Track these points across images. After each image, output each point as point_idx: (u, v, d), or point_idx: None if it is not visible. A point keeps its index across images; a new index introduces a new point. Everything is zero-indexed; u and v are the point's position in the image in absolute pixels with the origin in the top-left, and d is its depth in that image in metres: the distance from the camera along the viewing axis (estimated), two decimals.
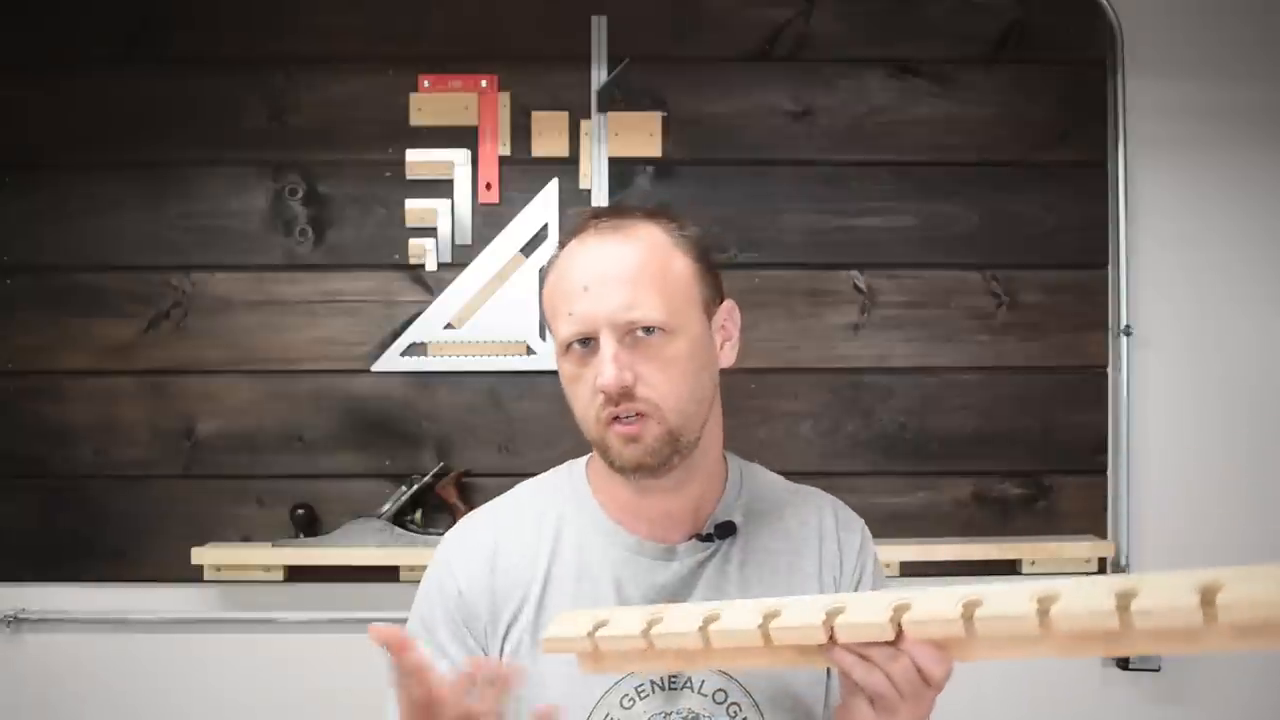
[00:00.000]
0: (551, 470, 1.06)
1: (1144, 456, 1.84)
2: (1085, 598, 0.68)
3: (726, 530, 0.98)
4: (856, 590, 1.02)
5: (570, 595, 0.96)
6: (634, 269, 0.91)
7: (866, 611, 0.76)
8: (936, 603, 0.74)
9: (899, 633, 0.75)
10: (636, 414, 0.90)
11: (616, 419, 0.90)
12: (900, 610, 0.75)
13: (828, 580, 1.01)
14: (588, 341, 0.90)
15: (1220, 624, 0.63)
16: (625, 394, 0.89)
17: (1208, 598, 0.63)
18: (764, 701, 0.95)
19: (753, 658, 0.81)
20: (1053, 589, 0.70)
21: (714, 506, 1.00)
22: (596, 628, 0.83)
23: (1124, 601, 0.66)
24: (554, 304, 0.93)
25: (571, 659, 0.89)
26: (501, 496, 1.05)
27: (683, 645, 0.80)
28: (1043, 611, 0.69)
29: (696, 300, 0.95)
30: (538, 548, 0.98)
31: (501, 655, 0.96)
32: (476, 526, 1.02)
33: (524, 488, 1.05)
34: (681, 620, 0.81)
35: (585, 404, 0.92)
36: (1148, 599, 0.65)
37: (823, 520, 1.04)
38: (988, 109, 1.85)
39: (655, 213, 0.97)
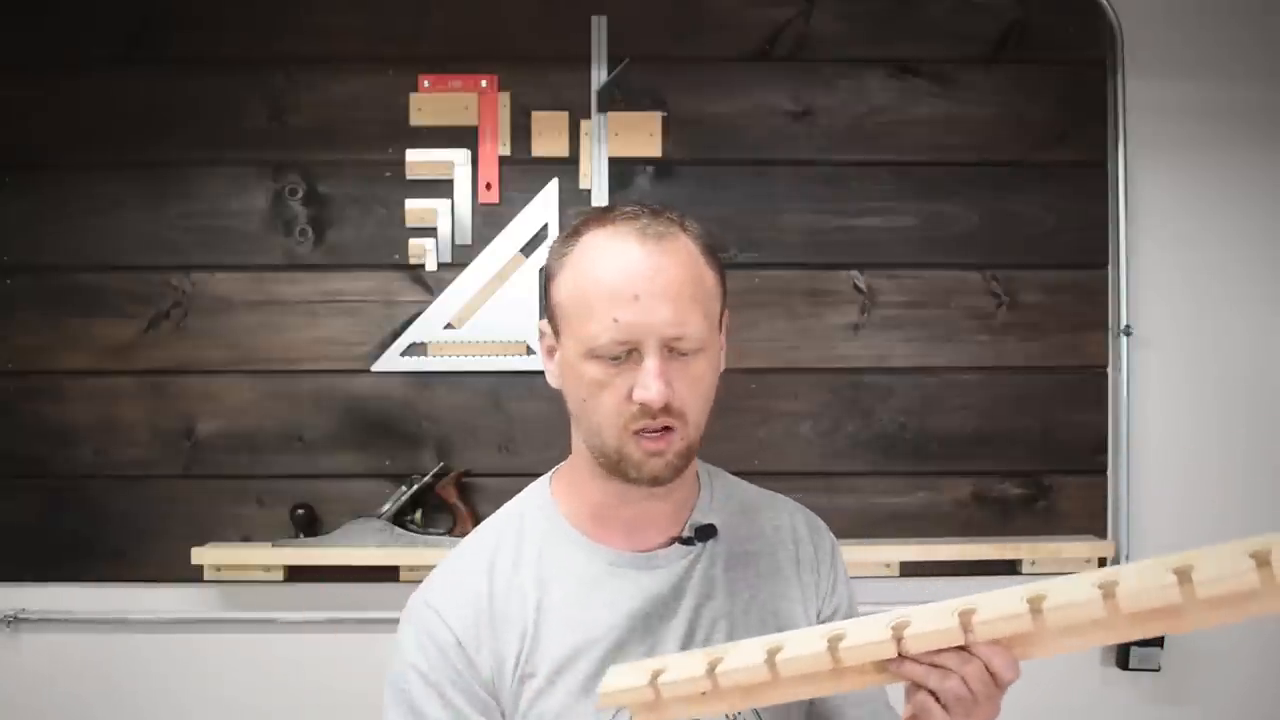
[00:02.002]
0: (513, 501, 1.04)
1: (1144, 456, 1.84)
2: (1146, 576, 0.72)
3: (707, 533, 0.98)
4: (833, 593, 1.04)
5: (565, 621, 0.94)
6: (679, 284, 0.89)
7: (933, 619, 0.77)
8: (1000, 601, 0.76)
9: (968, 637, 0.76)
10: (664, 428, 0.89)
11: (642, 430, 0.89)
12: (967, 614, 0.76)
13: (807, 581, 1.02)
14: (617, 351, 0.89)
15: (1277, 583, 0.68)
16: (664, 408, 0.88)
17: (1261, 560, 0.68)
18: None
19: (818, 684, 0.80)
20: (1111, 574, 0.73)
21: (690, 510, 1.00)
22: (655, 675, 0.82)
23: (1184, 575, 0.70)
24: (587, 302, 0.89)
25: (571, 689, 0.90)
26: (465, 541, 1.01)
27: (751, 680, 0.80)
28: (1108, 595, 0.72)
29: (716, 315, 0.94)
30: (525, 583, 0.95)
31: (517, 698, 0.93)
32: (457, 575, 0.98)
33: (490, 526, 1.01)
34: (745, 655, 0.81)
35: (611, 411, 0.90)
36: (1206, 570, 0.70)
37: (795, 523, 1.05)
38: (988, 109, 1.85)
39: (684, 219, 0.94)
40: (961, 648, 0.77)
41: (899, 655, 0.78)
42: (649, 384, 0.87)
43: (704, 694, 0.81)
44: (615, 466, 0.92)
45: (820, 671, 0.79)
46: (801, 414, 1.83)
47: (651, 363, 0.88)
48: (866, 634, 0.78)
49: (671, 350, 0.89)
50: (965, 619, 0.76)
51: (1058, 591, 0.74)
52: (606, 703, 0.84)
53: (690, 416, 0.91)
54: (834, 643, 0.78)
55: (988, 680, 0.77)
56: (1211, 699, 1.84)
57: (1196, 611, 0.71)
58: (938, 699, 0.79)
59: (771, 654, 0.79)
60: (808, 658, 0.79)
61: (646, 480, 0.91)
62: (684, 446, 0.91)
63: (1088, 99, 1.85)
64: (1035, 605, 0.74)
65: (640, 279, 0.88)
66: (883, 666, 0.79)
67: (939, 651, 0.77)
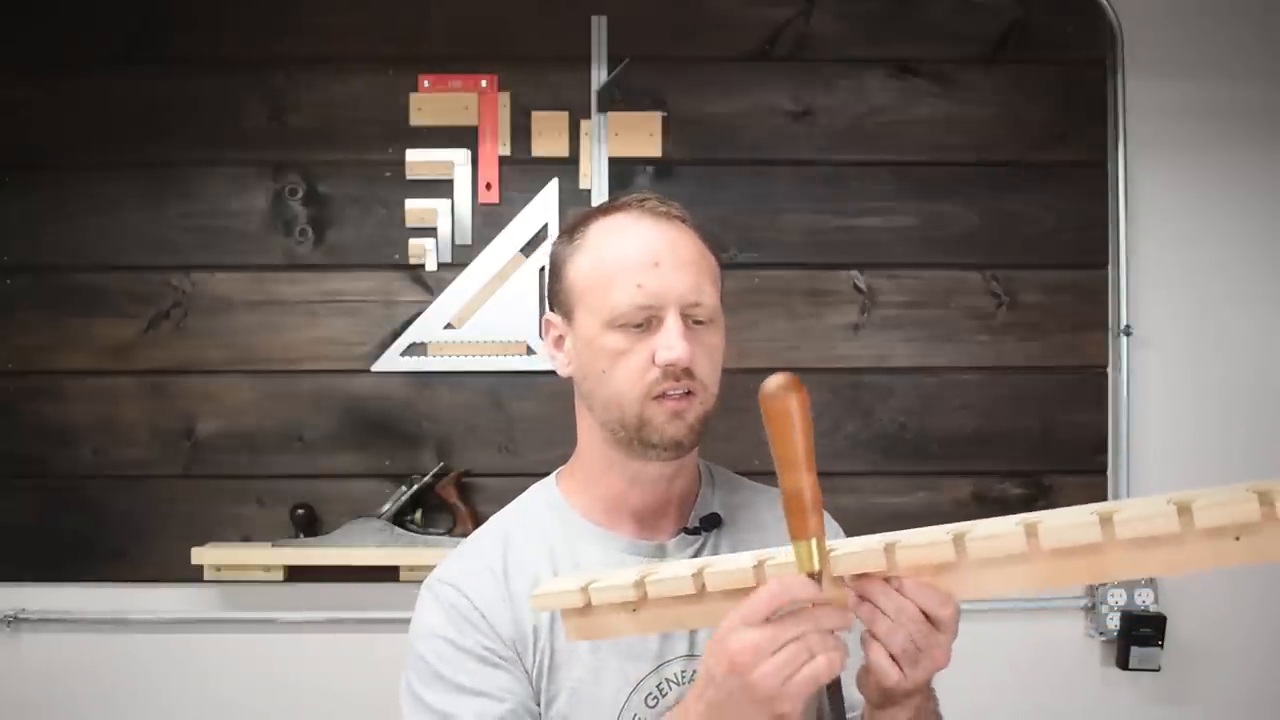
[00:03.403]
0: (517, 500, 1.05)
1: (1144, 456, 1.84)
2: (1069, 516, 0.73)
3: (712, 522, 1.00)
4: None
5: None
6: (696, 256, 0.95)
7: (858, 544, 0.78)
8: (924, 532, 0.77)
9: (894, 571, 0.76)
10: (687, 391, 0.92)
11: (663, 394, 0.91)
12: (891, 543, 0.77)
13: None
14: (640, 317, 0.91)
15: (1197, 528, 0.68)
16: (685, 371, 0.91)
17: (1183, 507, 0.69)
18: None
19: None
20: (1037, 515, 0.74)
21: (693, 501, 1.02)
22: (588, 583, 0.84)
23: (1106, 515, 0.71)
24: (608, 273, 0.93)
25: (597, 671, 0.91)
26: (480, 530, 1.04)
27: (676, 592, 0.81)
28: (1030, 532, 0.73)
29: (720, 296, 0.98)
30: (540, 564, 0.97)
31: (541, 672, 0.95)
32: (471, 553, 1.00)
33: (501, 517, 1.04)
34: (674, 569, 0.83)
35: (633, 377, 0.92)
36: (1127, 512, 0.71)
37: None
38: (987, 109, 1.85)
39: (683, 212, 0.98)
40: (888, 582, 0.77)
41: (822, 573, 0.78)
42: (673, 343, 0.90)
43: (634, 610, 0.83)
44: (636, 435, 0.93)
45: (745, 589, 0.79)
46: None
47: (674, 323, 0.91)
48: (790, 558, 0.79)
49: (688, 319, 0.92)
50: (889, 545, 0.76)
51: (982, 526, 0.76)
52: (538, 605, 0.87)
53: (709, 385, 0.94)
54: (761, 561, 0.79)
55: (919, 619, 0.76)
56: (1211, 699, 1.84)
57: (1117, 553, 0.71)
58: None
59: (700, 570, 0.81)
60: (732, 573, 0.80)
61: (668, 444, 0.92)
62: (702, 413, 0.94)
63: (1088, 99, 1.85)
64: (958, 537, 0.75)
65: (660, 249, 0.93)
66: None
67: (865, 579, 0.77)
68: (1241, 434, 1.85)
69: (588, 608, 0.84)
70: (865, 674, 0.83)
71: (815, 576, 0.76)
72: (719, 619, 0.80)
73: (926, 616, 0.76)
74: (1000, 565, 0.74)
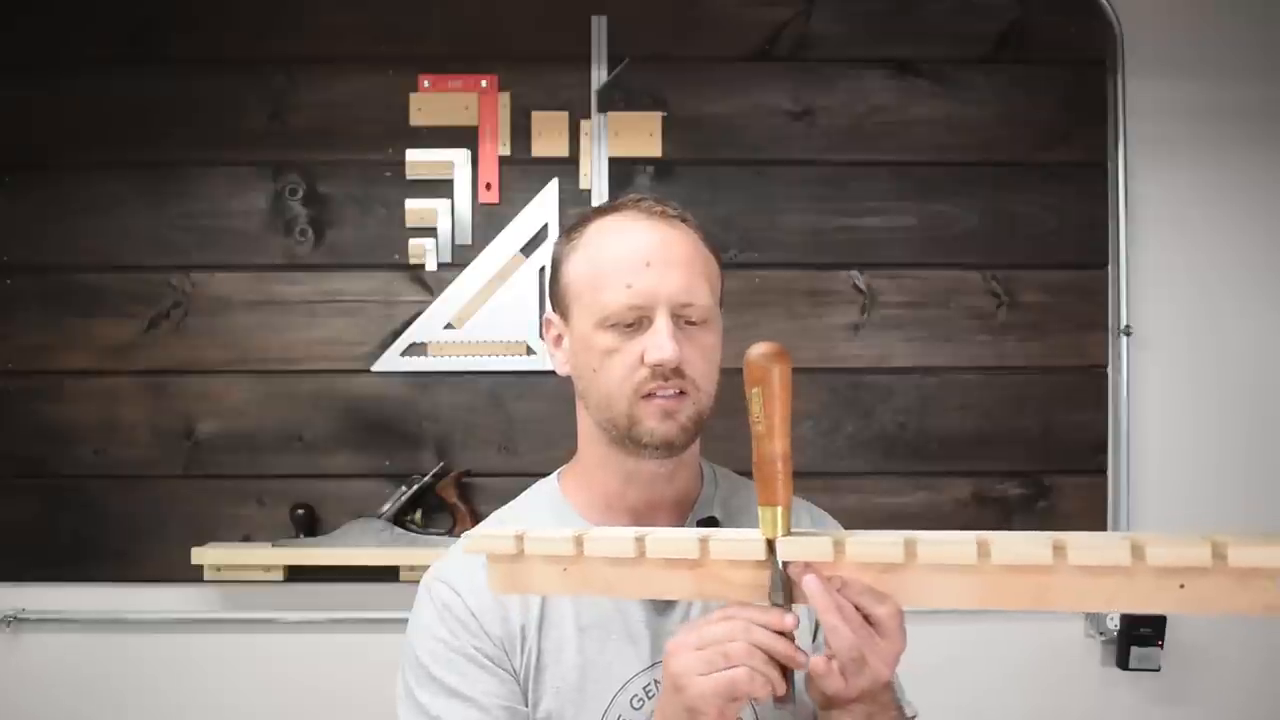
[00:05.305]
0: (519, 498, 1.06)
1: (1144, 456, 1.84)
2: (1025, 537, 0.75)
3: (710, 524, 1.00)
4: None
5: (570, 605, 0.96)
6: (689, 256, 0.95)
7: (810, 537, 0.79)
8: (877, 533, 0.78)
9: (842, 567, 0.77)
10: (679, 391, 0.92)
11: (653, 394, 0.91)
12: (841, 539, 0.77)
13: None
14: (631, 317, 0.92)
15: (1148, 565, 0.70)
16: (675, 371, 0.91)
17: (1136, 548, 0.70)
18: None
19: (679, 577, 0.81)
20: (990, 534, 0.75)
21: (693, 503, 1.02)
22: (525, 532, 0.83)
23: (1059, 544, 0.72)
24: (600, 273, 0.93)
25: (584, 671, 0.92)
26: (479, 526, 1.03)
27: (614, 553, 0.80)
28: (982, 551, 0.74)
29: (718, 296, 0.99)
30: None
31: (529, 671, 0.95)
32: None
33: (501, 514, 1.05)
34: (614, 532, 0.83)
35: (622, 376, 0.92)
36: (1082, 540, 0.73)
37: (798, 518, 1.05)
38: (988, 109, 1.85)
39: (683, 212, 0.99)
40: (829, 580, 0.77)
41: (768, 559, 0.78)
42: (662, 343, 0.90)
43: (564, 569, 0.82)
44: (627, 434, 0.93)
45: (684, 561, 0.79)
46: (802, 414, 1.83)
47: (663, 323, 0.91)
48: (739, 536, 0.80)
49: (681, 319, 0.93)
50: (838, 541, 0.77)
51: (937, 534, 0.76)
52: (470, 548, 0.85)
53: (702, 384, 0.94)
54: (704, 541, 0.79)
55: (856, 618, 0.76)
56: (1211, 699, 1.84)
57: (1064, 578, 0.72)
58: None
59: (643, 535, 0.81)
60: (676, 541, 0.80)
61: (659, 443, 0.93)
62: (695, 412, 0.94)
63: (1088, 99, 1.85)
64: (910, 541, 0.75)
65: (651, 249, 0.93)
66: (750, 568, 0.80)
67: (806, 566, 0.77)
68: (1241, 434, 1.85)
69: (519, 556, 0.82)
70: (809, 676, 0.83)
71: (774, 543, 0.77)
72: (649, 589, 0.81)
73: (866, 620, 0.76)
74: (947, 574, 0.75)
